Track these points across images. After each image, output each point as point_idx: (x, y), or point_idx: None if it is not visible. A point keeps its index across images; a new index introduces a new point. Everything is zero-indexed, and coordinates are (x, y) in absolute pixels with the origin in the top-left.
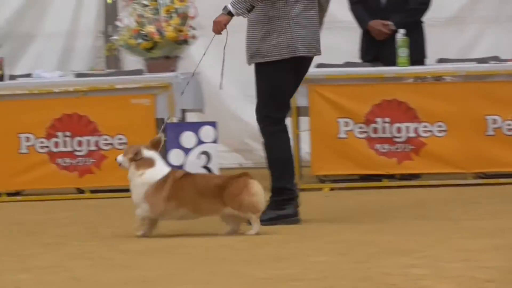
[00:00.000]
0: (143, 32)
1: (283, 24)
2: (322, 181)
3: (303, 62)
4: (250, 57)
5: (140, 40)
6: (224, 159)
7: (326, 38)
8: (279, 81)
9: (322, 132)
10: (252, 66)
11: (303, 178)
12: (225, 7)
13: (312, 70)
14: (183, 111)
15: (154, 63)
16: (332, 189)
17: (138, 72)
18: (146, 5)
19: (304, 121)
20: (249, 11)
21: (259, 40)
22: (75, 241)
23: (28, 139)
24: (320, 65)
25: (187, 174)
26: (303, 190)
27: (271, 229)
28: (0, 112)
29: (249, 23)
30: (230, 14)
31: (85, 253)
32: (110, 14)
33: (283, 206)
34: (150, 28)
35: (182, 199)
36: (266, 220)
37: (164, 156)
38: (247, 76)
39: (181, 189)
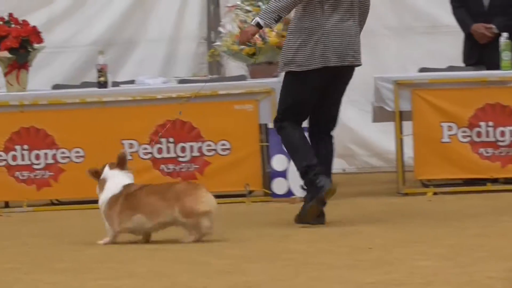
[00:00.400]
0: None
1: (318, 35)
2: (426, 186)
3: (338, 72)
4: (284, 65)
5: (242, 46)
6: None
7: (429, 42)
8: (303, 91)
9: (425, 137)
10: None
11: (406, 183)
12: (255, 19)
13: (415, 75)
14: None
15: (257, 68)
16: (435, 193)
17: (241, 78)
18: (248, 11)
19: (407, 126)
20: (277, 21)
21: (295, 50)
22: (174, 246)
23: (131, 145)
24: (423, 69)
25: (144, 186)
26: (406, 194)
27: (374, 233)
28: (103, 119)
29: (287, 32)
30: (259, 26)
31: (183, 258)
32: (213, 20)
33: (316, 180)
34: None
35: (136, 206)
36: (312, 199)
37: (268, 161)
38: (351, 81)
39: (134, 199)
